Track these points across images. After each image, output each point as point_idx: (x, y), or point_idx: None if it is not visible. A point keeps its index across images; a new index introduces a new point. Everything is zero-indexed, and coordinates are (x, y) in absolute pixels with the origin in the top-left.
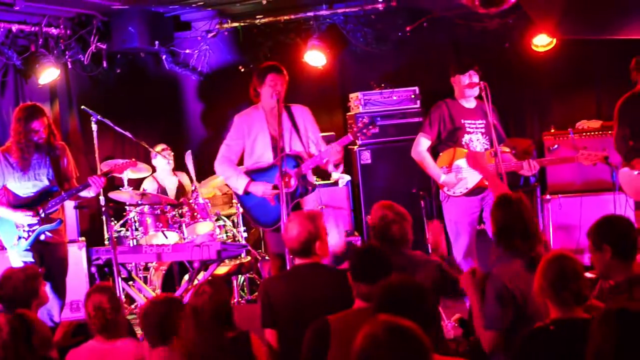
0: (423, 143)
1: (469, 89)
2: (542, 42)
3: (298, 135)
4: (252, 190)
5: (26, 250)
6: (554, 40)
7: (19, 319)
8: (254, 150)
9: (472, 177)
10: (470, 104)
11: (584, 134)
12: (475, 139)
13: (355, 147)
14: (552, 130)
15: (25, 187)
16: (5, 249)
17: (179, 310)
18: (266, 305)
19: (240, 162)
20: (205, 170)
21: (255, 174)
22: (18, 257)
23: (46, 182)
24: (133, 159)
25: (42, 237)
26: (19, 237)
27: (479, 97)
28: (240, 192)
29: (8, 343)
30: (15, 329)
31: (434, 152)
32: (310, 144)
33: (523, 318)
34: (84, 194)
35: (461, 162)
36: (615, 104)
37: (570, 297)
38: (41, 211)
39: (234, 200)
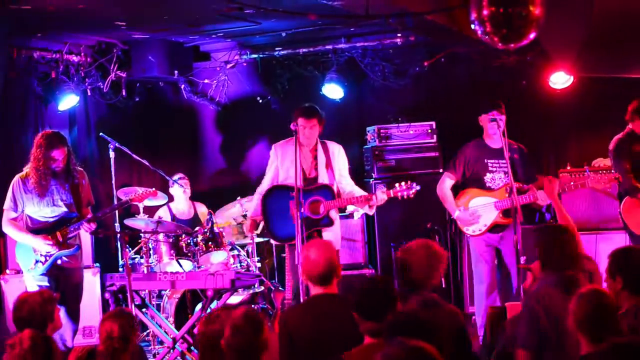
0: (447, 182)
1: (490, 128)
2: (559, 79)
3: (331, 170)
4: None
5: (42, 274)
6: (571, 79)
7: (42, 337)
8: (287, 179)
9: (487, 216)
10: (496, 143)
11: (600, 172)
12: (498, 178)
13: (371, 180)
14: (568, 168)
15: (43, 212)
16: (22, 272)
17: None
18: (285, 336)
19: None
20: (220, 200)
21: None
22: (33, 281)
23: (64, 208)
24: (154, 189)
25: (59, 262)
26: (37, 261)
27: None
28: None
29: (27, 357)
30: (37, 345)
31: (458, 188)
32: (341, 180)
33: (550, 342)
34: None
35: (476, 201)
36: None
37: (606, 335)
38: (60, 237)
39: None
